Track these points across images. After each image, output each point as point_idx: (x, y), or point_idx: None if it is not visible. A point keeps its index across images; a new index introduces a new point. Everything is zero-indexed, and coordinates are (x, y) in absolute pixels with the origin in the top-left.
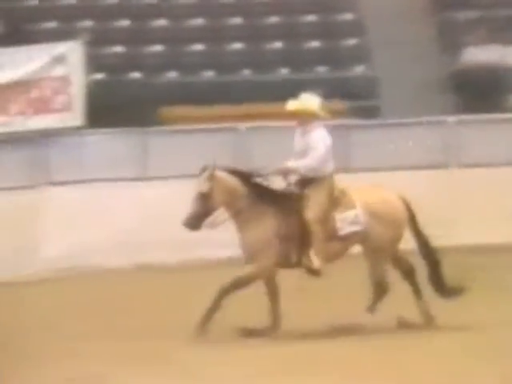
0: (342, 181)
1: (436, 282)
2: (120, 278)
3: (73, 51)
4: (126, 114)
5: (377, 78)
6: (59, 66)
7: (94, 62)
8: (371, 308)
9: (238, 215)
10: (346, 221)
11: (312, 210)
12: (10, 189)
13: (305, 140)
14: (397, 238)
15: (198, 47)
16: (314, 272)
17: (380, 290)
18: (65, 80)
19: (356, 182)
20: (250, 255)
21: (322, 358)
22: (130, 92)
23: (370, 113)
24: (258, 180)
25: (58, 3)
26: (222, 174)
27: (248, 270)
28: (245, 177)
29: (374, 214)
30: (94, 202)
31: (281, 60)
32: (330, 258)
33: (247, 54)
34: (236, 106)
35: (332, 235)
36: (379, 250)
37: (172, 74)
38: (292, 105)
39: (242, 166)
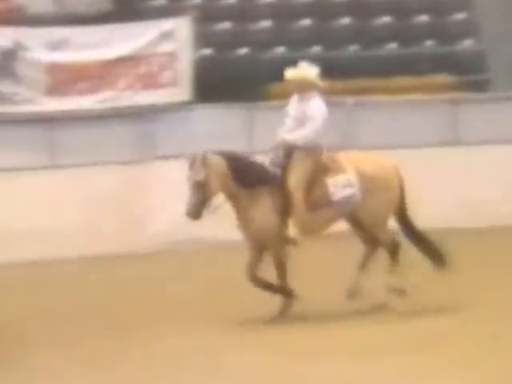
0: (452, 156)
1: (433, 257)
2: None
3: (181, 27)
4: (233, 90)
5: (485, 51)
6: (167, 41)
7: (201, 38)
8: (390, 270)
9: (233, 198)
10: (339, 185)
11: (293, 178)
12: (118, 163)
13: (302, 107)
14: (391, 201)
15: (306, 22)
16: (290, 242)
17: (393, 249)
18: (172, 56)
19: (466, 156)
20: (254, 238)
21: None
22: (238, 68)
23: (479, 87)
24: (247, 160)
25: None
26: (214, 158)
27: (272, 252)
28: (233, 158)
29: (366, 177)
30: None
31: (389, 35)
32: (325, 224)
33: (355, 28)
34: (343, 81)
35: (325, 201)
36: (377, 212)
37: (280, 50)
38: (291, 73)
39: (349, 141)
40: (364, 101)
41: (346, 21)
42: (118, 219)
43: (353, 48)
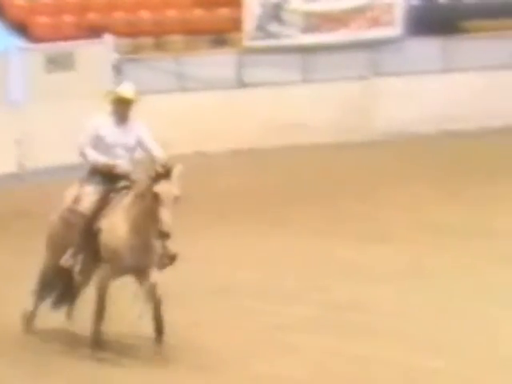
0: None
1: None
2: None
3: None
4: (435, 28)
5: None
6: None
7: None
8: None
9: None
10: None
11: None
12: (351, 78)
13: (128, 131)
14: None
15: None
16: (175, 257)
17: None
18: (390, 5)
19: None
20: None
21: None
22: (439, 13)
23: None
24: None
25: None
26: None
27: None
28: None
29: None
30: (415, 87)
31: None
32: None
33: None
34: None
35: None
36: None
37: None
38: (129, 93)
39: None
40: None
41: None
42: (354, 116)
43: None
